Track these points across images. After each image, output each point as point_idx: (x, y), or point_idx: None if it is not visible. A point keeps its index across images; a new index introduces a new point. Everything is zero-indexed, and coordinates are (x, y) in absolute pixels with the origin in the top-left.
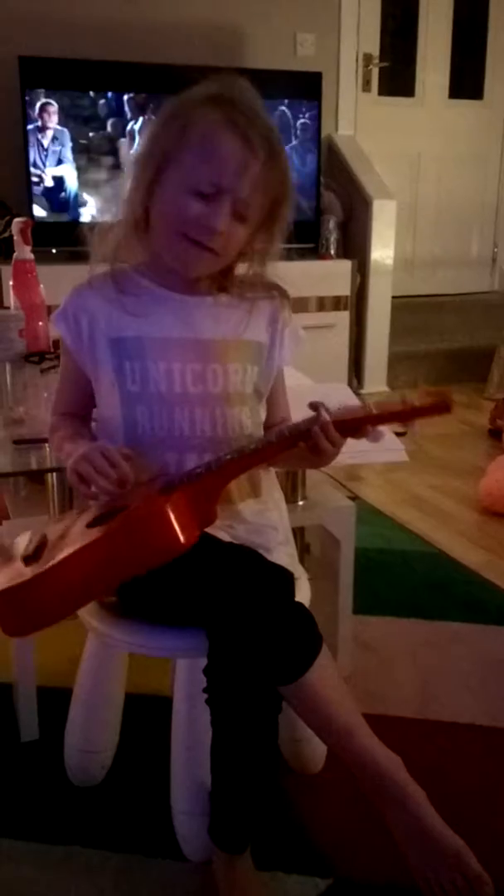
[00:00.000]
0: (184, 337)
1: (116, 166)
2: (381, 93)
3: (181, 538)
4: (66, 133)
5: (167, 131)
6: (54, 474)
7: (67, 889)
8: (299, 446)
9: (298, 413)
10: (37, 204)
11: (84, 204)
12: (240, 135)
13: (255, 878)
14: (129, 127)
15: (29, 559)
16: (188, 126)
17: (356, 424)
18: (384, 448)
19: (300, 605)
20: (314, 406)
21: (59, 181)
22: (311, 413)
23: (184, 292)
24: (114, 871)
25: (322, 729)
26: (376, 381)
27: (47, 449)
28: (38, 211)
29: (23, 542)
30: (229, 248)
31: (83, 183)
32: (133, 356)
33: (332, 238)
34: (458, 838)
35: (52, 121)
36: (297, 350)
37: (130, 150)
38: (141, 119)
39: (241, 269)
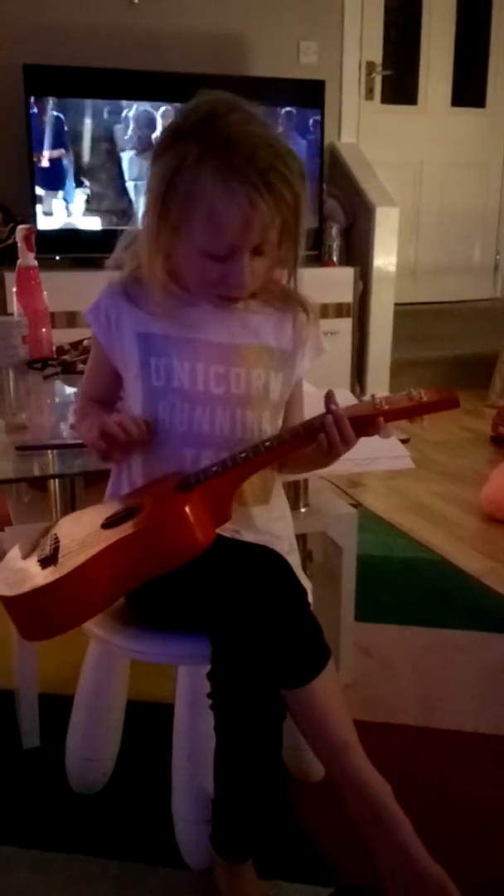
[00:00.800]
0: (209, 339)
1: (112, 152)
2: (383, 101)
3: (200, 538)
4: (63, 120)
5: (170, 199)
6: (56, 481)
7: None
8: (308, 446)
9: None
10: (41, 211)
11: (89, 211)
12: (240, 199)
13: (257, 887)
14: (123, 113)
15: (47, 561)
16: (189, 199)
17: (369, 419)
18: (390, 456)
19: (311, 613)
20: (327, 400)
21: (60, 184)
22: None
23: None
24: (114, 879)
25: (318, 741)
26: (379, 388)
27: (50, 455)
28: (42, 218)
29: (20, 550)
30: (256, 282)
31: (80, 172)
32: (159, 353)
33: (335, 245)
34: (443, 871)
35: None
36: (317, 360)
37: (125, 135)
38: (135, 106)
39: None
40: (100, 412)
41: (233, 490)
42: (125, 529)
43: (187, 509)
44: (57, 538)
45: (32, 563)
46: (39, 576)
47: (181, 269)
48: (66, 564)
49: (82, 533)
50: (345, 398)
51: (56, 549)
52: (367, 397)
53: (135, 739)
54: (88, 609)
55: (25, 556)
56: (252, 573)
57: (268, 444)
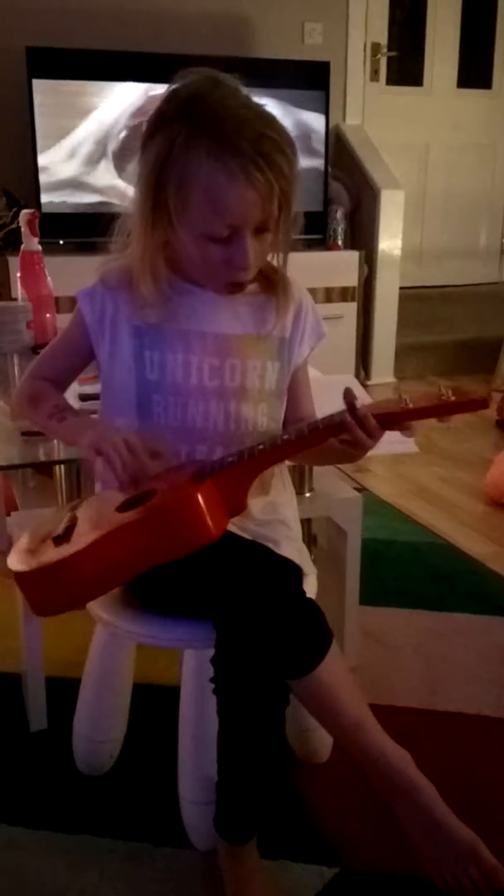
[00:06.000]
0: (203, 331)
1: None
2: (389, 82)
3: (211, 528)
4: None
5: (164, 187)
6: (62, 466)
7: (75, 877)
8: (332, 440)
9: (318, 403)
10: (44, 195)
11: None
12: (237, 174)
13: (259, 868)
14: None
15: (59, 539)
16: (184, 183)
17: (395, 419)
18: (394, 440)
19: (310, 600)
20: (349, 398)
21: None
22: (337, 405)
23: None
24: (121, 859)
25: (331, 723)
26: (383, 372)
27: (55, 441)
28: (46, 202)
29: (40, 528)
30: (262, 260)
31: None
32: (153, 346)
33: (340, 229)
34: (471, 831)
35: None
36: (318, 345)
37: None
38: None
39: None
40: (67, 403)
41: (248, 482)
42: (136, 513)
43: (199, 497)
44: (73, 518)
45: (47, 541)
46: (51, 553)
47: (181, 257)
48: (77, 543)
49: (97, 514)
50: (350, 384)
51: (70, 529)
52: (395, 396)
53: (141, 722)
54: (94, 588)
55: (45, 535)
56: (248, 566)
57: (286, 437)
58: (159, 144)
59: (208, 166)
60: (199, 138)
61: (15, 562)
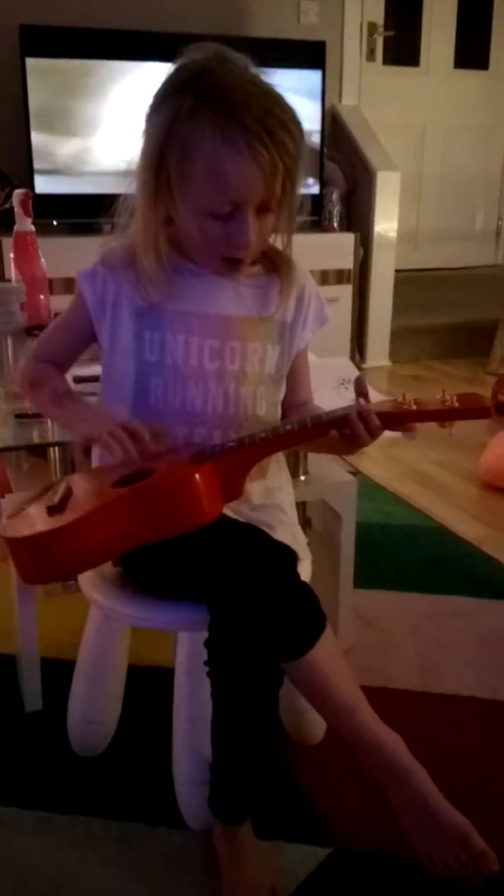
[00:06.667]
0: (205, 311)
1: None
2: (385, 62)
3: (206, 509)
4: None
5: (166, 157)
6: (56, 448)
7: (70, 857)
8: (332, 433)
9: (313, 385)
10: (38, 175)
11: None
12: (241, 149)
13: (254, 848)
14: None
15: (53, 510)
16: (186, 154)
17: (398, 419)
18: None
19: (304, 583)
20: (361, 389)
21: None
22: (332, 390)
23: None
24: (116, 840)
25: (323, 706)
26: (379, 355)
27: (49, 423)
28: (40, 182)
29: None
30: (263, 241)
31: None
32: (153, 327)
33: (336, 210)
34: (462, 815)
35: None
36: (321, 330)
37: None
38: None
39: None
40: (68, 388)
41: (247, 468)
42: (132, 489)
43: (197, 477)
44: (69, 489)
45: (41, 510)
46: (44, 522)
47: (182, 234)
48: (71, 514)
49: (93, 487)
50: (344, 369)
51: (65, 500)
52: (399, 398)
53: (136, 703)
54: (85, 560)
55: (34, 501)
56: (243, 549)
57: (289, 427)
58: (164, 114)
59: (212, 139)
60: (203, 110)
61: (8, 528)
